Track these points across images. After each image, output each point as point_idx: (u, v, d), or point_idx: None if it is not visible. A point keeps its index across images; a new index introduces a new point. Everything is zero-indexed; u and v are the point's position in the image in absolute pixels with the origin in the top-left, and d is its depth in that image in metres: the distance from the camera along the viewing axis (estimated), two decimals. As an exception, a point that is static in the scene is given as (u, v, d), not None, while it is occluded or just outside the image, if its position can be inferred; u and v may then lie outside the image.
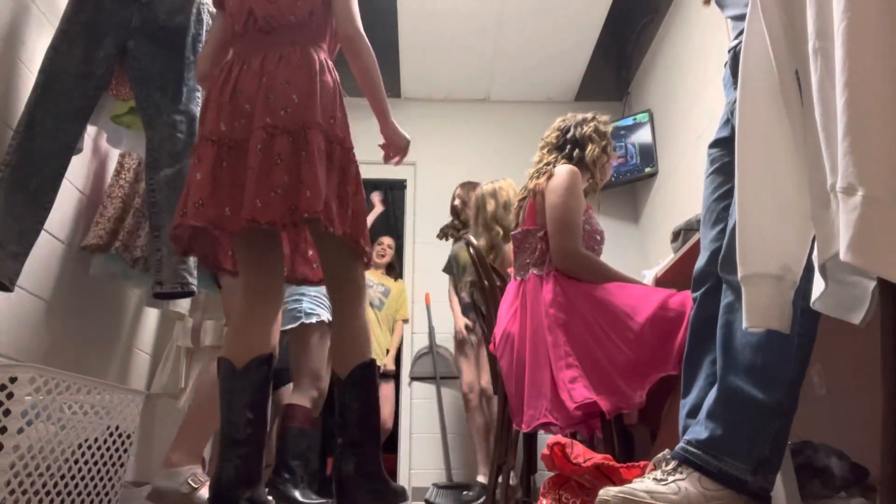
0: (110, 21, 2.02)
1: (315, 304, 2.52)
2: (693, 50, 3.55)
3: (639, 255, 4.23)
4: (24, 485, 1.52)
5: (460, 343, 3.44)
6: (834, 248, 0.81)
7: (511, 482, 2.37)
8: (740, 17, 1.30)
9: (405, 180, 4.54)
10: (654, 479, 1.13)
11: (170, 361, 2.73)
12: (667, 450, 1.20)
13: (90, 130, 2.25)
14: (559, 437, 1.41)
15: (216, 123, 1.58)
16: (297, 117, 1.54)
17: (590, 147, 2.11)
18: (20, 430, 1.51)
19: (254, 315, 1.58)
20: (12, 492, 1.47)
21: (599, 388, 1.66)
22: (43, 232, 1.89)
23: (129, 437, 1.95)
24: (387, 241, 4.11)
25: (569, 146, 2.13)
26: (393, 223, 4.74)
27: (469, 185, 3.54)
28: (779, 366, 1.11)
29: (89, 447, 1.76)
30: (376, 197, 4.33)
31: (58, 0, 2.14)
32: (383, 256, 4.03)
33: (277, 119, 1.54)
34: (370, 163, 2.17)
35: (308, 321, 2.49)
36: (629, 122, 4.26)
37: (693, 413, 1.27)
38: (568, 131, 2.15)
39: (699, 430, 1.15)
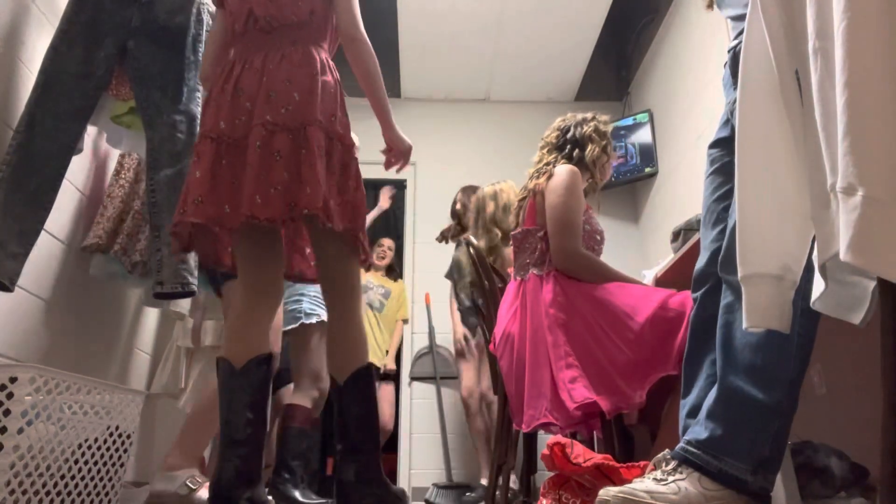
0: (110, 21, 2.02)
1: (315, 304, 2.52)
2: (693, 50, 3.55)
3: (639, 255, 4.23)
4: (24, 485, 1.52)
5: (459, 351, 3.44)
6: (834, 248, 0.81)
7: (511, 485, 2.37)
8: (740, 18, 1.30)
9: (405, 180, 4.54)
10: (654, 479, 1.13)
11: (170, 361, 2.73)
12: (667, 450, 1.20)
13: (90, 130, 2.25)
14: (559, 437, 1.41)
15: (216, 121, 1.58)
16: (297, 115, 1.54)
17: (590, 147, 2.11)
18: (20, 430, 1.51)
19: (253, 315, 1.58)
20: (12, 492, 1.47)
21: (599, 388, 1.66)
22: (43, 232, 1.89)
23: (129, 437, 1.95)
24: (387, 242, 4.10)
25: (569, 146, 2.13)
26: (393, 223, 4.73)
27: (470, 190, 3.53)
28: (779, 366, 1.11)
29: (89, 447, 1.76)
30: (387, 192, 4.24)
31: (58, 0, 2.14)
32: (383, 258, 4.02)
33: (278, 116, 1.54)
34: (371, 163, 2.16)
35: (308, 321, 2.49)
36: (629, 122, 4.26)
37: (693, 413, 1.27)
38: (568, 131, 2.15)
39: (699, 430, 1.16)
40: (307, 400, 2.46)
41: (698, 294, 1.38)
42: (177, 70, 2.07)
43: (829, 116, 0.79)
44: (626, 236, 4.33)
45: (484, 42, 4.21)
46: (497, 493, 2.24)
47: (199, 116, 2.06)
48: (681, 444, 1.18)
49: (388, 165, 1.83)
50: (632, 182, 4.34)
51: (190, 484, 1.88)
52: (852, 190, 0.74)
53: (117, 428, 1.89)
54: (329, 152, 1.57)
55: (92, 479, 1.77)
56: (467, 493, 3.24)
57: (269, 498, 1.53)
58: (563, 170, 2.00)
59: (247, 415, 1.46)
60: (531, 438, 2.26)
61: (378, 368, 3.57)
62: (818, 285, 0.95)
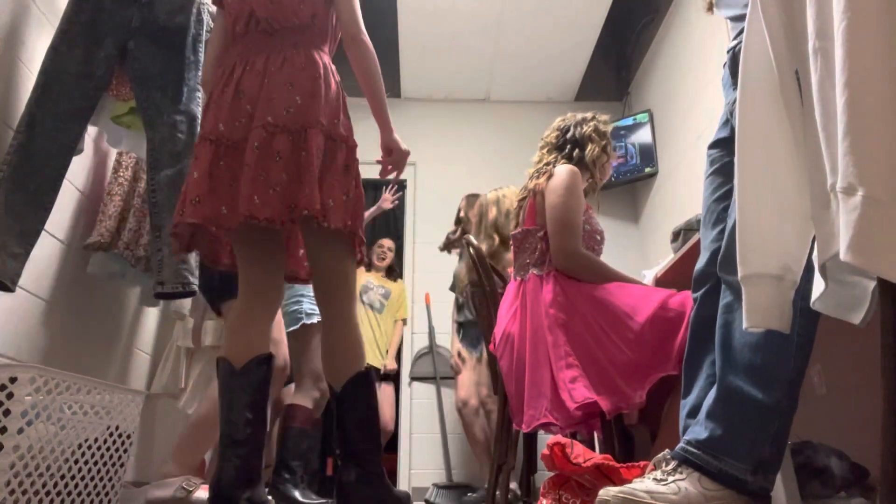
0: (110, 21, 2.03)
1: (315, 304, 2.52)
2: (693, 50, 3.55)
3: (639, 255, 4.23)
4: (24, 485, 1.52)
5: (454, 367, 3.42)
6: (834, 248, 0.81)
7: (511, 486, 2.36)
8: (740, 18, 1.30)
9: (405, 180, 4.54)
10: (654, 479, 1.13)
11: (170, 361, 2.73)
12: (667, 450, 1.20)
13: (90, 130, 2.25)
14: (559, 437, 1.41)
15: (215, 123, 1.58)
16: (299, 117, 1.54)
17: (590, 147, 2.11)
18: (20, 430, 1.51)
19: (253, 315, 1.58)
20: (12, 492, 1.47)
21: (599, 388, 1.66)
22: (43, 232, 1.89)
23: (129, 437, 1.95)
24: (387, 243, 4.09)
25: (569, 146, 2.13)
26: (393, 223, 4.73)
27: (473, 198, 3.52)
28: (778, 366, 1.11)
29: (89, 447, 1.76)
30: (389, 197, 3.88)
31: (58, 0, 2.14)
32: (384, 259, 4.01)
33: (279, 118, 1.54)
34: (371, 163, 2.16)
35: (309, 322, 2.49)
36: (629, 122, 4.26)
37: (693, 413, 1.27)
38: (568, 131, 2.15)
39: (699, 430, 1.16)
40: (308, 400, 2.46)
41: (698, 294, 1.38)
42: (177, 70, 2.08)
43: (829, 116, 0.79)
44: (626, 236, 4.33)
45: (484, 42, 4.21)
46: (497, 493, 2.24)
47: (199, 116, 2.06)
48: (681, 445, 1.18)
49: (384, 173, 1.79)
50: (632, 182, 4.34)
51: (186, 486, 1.89)
52: (852, 190, 0.74)
53: (117, 428, 1.89)
54: (332, 153, 1.57)
55: (92, 479, 1.77)
56: (468, 494, 3.24)
57: (270, 498, 1.53)
58: (562, 170, 2.01)
59: (247, 415, 1.46)
60: (531, 438, 2.26)
61: (378, 370, 3.57)
62: (818, 285, 0.95)
